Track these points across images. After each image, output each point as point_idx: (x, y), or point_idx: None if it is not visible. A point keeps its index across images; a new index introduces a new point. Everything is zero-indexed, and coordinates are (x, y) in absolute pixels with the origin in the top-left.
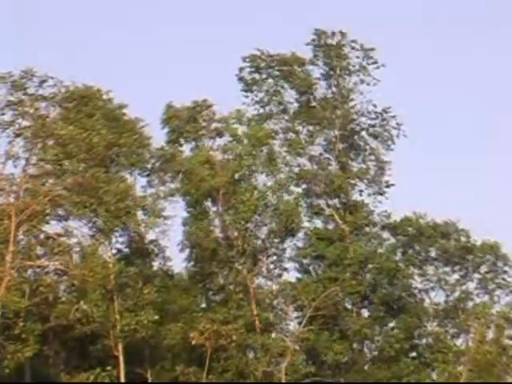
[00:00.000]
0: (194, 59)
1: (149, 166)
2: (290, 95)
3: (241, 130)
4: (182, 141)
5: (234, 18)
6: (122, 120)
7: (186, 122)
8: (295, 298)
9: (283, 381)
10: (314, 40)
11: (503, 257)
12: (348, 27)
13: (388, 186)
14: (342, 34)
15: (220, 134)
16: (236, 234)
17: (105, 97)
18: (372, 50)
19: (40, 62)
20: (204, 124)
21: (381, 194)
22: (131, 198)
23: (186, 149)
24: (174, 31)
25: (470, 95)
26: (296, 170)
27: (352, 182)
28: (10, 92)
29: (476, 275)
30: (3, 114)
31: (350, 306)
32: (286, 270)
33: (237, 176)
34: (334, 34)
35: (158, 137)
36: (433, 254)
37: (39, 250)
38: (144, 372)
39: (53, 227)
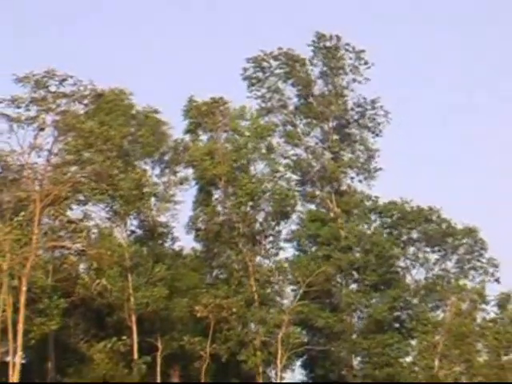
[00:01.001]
0: (203, 57)
1: (165, 158)
2: (290, 91)
3: (244, 124)
4: (199, 132)
5: (240, 17)
6: (140, 115)
7: (204, 115)
8: (291, 275)
9: (279, 350)
10: (314, 41)
11: (480, 241)
12: (345, 26)
13: (376, 171)
14: (338, 38)
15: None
16: (236, 217)
17: (128, 97)
18: (363, 51)
19: (61, 60)
20: (220, 118)
21: (369, 179)
22: (145, 185)
23: (203, 138)
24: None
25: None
26: (293, 159)
27: (343, 169)
28: (34, 90)
29: (454, 256)
30: (28, 110)
31: (340, 282)
32: (281, 249)
33: (237, 165)
34: (331, 37)
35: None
36: (415, 235)
37: (61, 232)
38: (155, 341)
39: (73, 211)
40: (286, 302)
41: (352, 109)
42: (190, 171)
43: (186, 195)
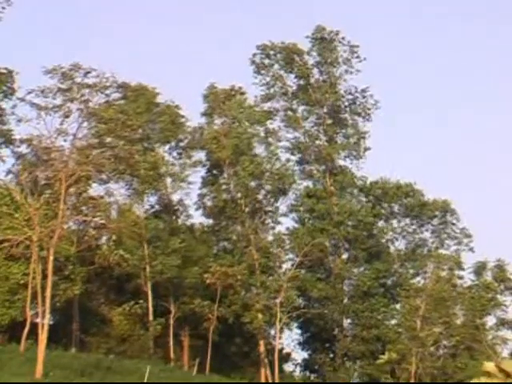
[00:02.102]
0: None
1: (181, 143)
2: (290, 80)
3: (243, 112)
4: (215, 116)
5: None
6: (159, 104)
7: (221, 101)
8: (288, 246)
9: (278, 312)
10: (312, 34)
11: (452, 211)
12: (344, 22)
13: (365, 151)
14: (336, 32)
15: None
16: (239, 195)
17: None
18: (357, 46)
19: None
20: (233, 106)
21: (359, 158)
22: (161, 167)
23: (217, 122)
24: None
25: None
26: (293, 141)
27: (337, 151)
28: (61, 81)
29: (430, 226)
30: (55, 99)
31: (333, 252)
32: (280, 223)
33: (239, 149)
34: (331, 32)
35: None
36: (396, 209)
37: (84, 208)
38: (168, 305)
39: (95, 189)
40: (284, 270)
41: (344, 96)
42: (202, 155)
43: (195, 176)
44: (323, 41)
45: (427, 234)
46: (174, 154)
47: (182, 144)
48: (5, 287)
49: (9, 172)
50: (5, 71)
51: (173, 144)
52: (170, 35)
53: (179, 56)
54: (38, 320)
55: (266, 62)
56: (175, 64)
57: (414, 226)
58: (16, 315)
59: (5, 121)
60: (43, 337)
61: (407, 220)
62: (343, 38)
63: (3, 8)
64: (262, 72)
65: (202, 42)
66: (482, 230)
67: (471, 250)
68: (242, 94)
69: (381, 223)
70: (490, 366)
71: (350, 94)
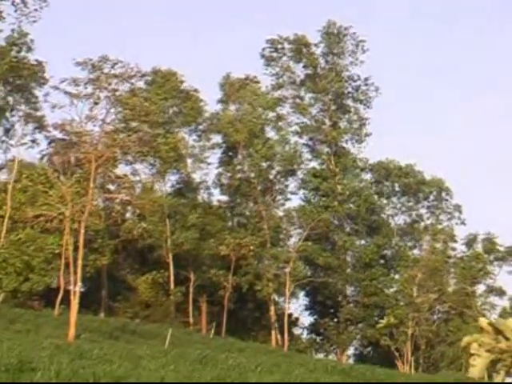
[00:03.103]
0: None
1: (200, 127)
2: (298, 70)
3: (257, 99)
4: (230, 103)
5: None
6: (182, 90)
7: (236, 89)
8: (296, 221)
9: (287, 281)
10: (324, 28)
11: (446, 189)
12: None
13: (367, 135)
14: (346, 28)
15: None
16: (253, 174)
17: (177, 76)
18: (364, 41)
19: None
20: (247, 94)
21: (361, 142)
22: (182, 148)
23: (232, 109)
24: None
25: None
26: (301, 126)
27: (340, 134)
28: (91, 72)
29: (426, 203)
30: (86, 88)
31: (337, 227)
32: (289, 200)
33: (253, 133)
34: (340, 27)
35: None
36: (396, 188)
37: (111, 186)
38: (187, 274)
39: (122, 169)
40: (292, 242)
41: (348, 81)
42: (219, 138)
43: (213, 157)
44: (332, 34)
45: (423, 210)
46: (194, 136)
47: (200, 127)
48: (40, 257)
49: (44, 155)
50: (35, 62)
51: (193, 127)
52: (188, 28)
53: (196, 47)
54: (71, 287)
55: (275, 55)
56: (193, 54)
57: (411, 203)
58: (50, 283)
59: (38, 107)
60: (75, 303)
61: (406, 197)
62: (353, 33)
63: (40, 8)
64: (272, 63)
65: (217, 36)
66: (474, 205)
67: (463, 223)
68: (256, 82)
69: (382, 200)
70: (483, 322)
71: (353, 81)
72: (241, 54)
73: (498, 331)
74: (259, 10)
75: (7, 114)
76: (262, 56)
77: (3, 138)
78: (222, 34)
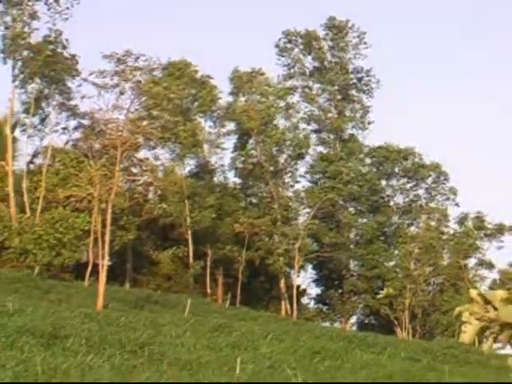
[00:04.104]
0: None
1: (215, 114)
2: (307, 62)
3: (268, 89)
4: (240, 94)
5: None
6: (198, 80)
7: (244, 82)
8: (305, 201)
9: (296, 256)
10: (326, 23)
11: (443, 173)
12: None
13: (369, 123)
14: (346, 22)
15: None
16: (265, 159)
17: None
18: (364, 33)
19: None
20: (256, 85)
21: (364, 128)
22: (199, 134)
23: (242, 100)
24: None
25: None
26: (309, 114)
27: (345, 122)
28: (116, 65)
29: (423, 185)
30: (112, 80)
31: (342, 206)
32: (298, 182)
33: (265, 120)
34: (341, 21)
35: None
36: (396, 170)
37: (135, 169)
38: (205, 249)
39: (144, 154)
40: (301, 221)
41: (352, 77)
42: (233, 125)
43: (228, 142)
44: (335, 28)
45: (421, 191)
46: (210, 123)
47: (215, 115)
48: (71, 234)
49: (74, 141)
50: (69, 56)
51: (208, 115)
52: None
53: (207, 39)
54: (99, 261)
55: (289, 45)
56: (203, 45)
57: (410, 185)
58: (81, 257)
59: (71, 98)
60: (103, 275)
61: (405, 179)
62: (353, 26)
63: (71, 6)
64: (284, 54)
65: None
66: (467, 187)
67: (457, 204)
68: (262, 74)
69: (382, 182)
70: (473, 293)
71: (357, 73)
72: (248, 48)
73: (487, 301)
74: (269, 5)
75: (43, 104)
76: (277, 46)
77: (39, 127)
78: (231, 28)
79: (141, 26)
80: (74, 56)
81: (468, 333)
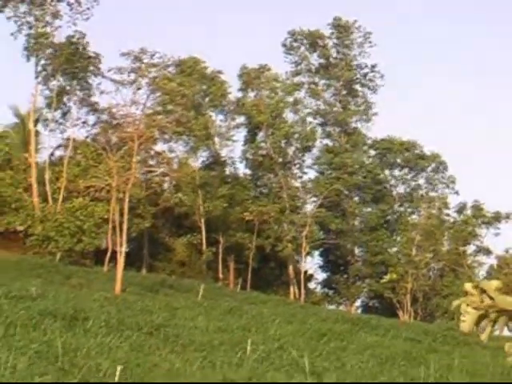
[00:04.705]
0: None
1: (226, 108)
2: (313, 59)
3: (277, 84)
4: (249, 89)
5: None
6: (210, 75)
7: (253, 78)
8: (312, 191)
9: (304, 243)
10: (333, 22)
11: (443, 162)
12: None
13: (373, 115)
14: (352, 22)
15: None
16: (274, 151)
17: (202, 62)
18: (370, 33)
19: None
20: (263, 80)
21: (368, 122)
22: (211, 128)
23: (251, 95)
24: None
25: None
26: (315, 108)
27: (350, 116)
28: (133, 62)
29: (424, 174)
30: (129, 76)
31: (347, 196)
32: (305, 173)
33: (274, 114)
34: (347, 21)
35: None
36: (398, 161)
37: (151, 161)
38: (217, 237)
39: (160, 146)
40: (308, 209)
41: (356, 73)
42: (243, 119)
43: (238, 135)
44: (341, 28)
45: (422, 181)
46: (221, 117)
47: (226, 109)
48: (91, 222)
49: (93, 134)
50: (93, 55)
51: (219, 109)
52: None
53: (217, 37)
54: (117, 248)
55: (295, 44)
56: (212, 42)
57: (411, 175)
58: (100, 244)
59: (91, 94)
60: (121, 261)
61: (406, 170)
62: (359, 26)
63: (92, 7)
64: (291, 53)
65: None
66: (466, 177)
67: (456, 193)
68: (268, 70)
69: (385, 172)
70: (467, 285)
71: (361, 69)
72: (257, 45)
73: (482, 291)
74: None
75: (64, 99)
76: (284, 45)
77: (61, 121)
78: (240, 25)
79: (148, 26)
80: (97, 55)
81: (467, 322)
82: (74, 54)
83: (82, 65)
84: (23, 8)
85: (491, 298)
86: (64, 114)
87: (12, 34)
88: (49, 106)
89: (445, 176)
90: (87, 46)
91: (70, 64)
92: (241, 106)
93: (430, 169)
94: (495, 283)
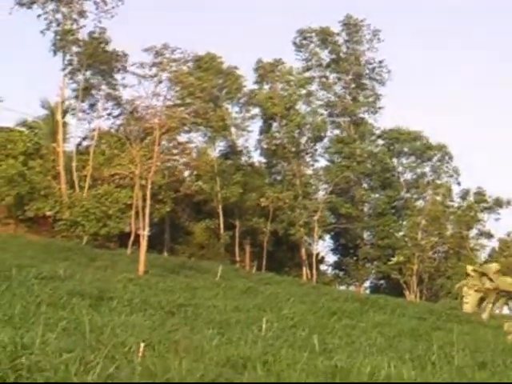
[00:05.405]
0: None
1: (241, 101)
2: (324, 54)
3: (291, 78)
4: (264, 82)
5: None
6: (226, 71)
7: (268, 71)
8: (323, 178)
9: (316, 227)
10: (343, 20)
11: (448, 153)
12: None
13: (380, 108)
14: (361, 20)
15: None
16: (287, 140)
17: (219, 58)
18: (379, 31)
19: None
20: (277, 73)
21: (376, 113)
22: (228, 119)
23: (266, 88)
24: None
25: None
26: (326, 101)
27: (359, 108)
28: (155, 57)
29: (430, 163)
30: (151, 70)
31: (356, 183)
32: (317, 161)
33: (287, 106)
34: (357, 19)
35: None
36: (405, 149)
37: (173, 150)
38: (234, 221)
39: (181, 137)
40: (320, 195)
41: (365, 67)
42: (257, 110)
43: (253, 126)
44: (351, 25)
45: (427, 169)
46: (237, 109)
47: (241, 101)
48: (115, 207)
49: (118, 125)
50: (121, 53)
51: (235, 101)
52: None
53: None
54: (140, 232)
55: (304, 42)
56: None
57: (417, 163)
58: (124, 228)
59: (116, 88)
60: (144, 244)
61: (413, 158)
62: (368, 25)
63: (116, 6)
64: (301, 50)
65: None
66: (469, 165)
67: (458, 183)
68: (282, 64)
69: (393, 160)
70: (469, 268)
71: (370, 64)
72: (270, 40)
73: (482, 274)
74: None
75: (92, 92)
76: (294, 43)
77: (88, 111)
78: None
79: (169, 26)
80: (125, 55)
81: (469, 303)
82: (96, 49)
83: (106, 60)
84: (51, 6)
85: (491, 280)
86: (91, 106)
87: (41, 32)
88: (76, 97)
89: (449, 166)
90: (109, 41)
91: (93, 59)
92: (256, 98)
93: (435, 158)
94: (495, 266)
